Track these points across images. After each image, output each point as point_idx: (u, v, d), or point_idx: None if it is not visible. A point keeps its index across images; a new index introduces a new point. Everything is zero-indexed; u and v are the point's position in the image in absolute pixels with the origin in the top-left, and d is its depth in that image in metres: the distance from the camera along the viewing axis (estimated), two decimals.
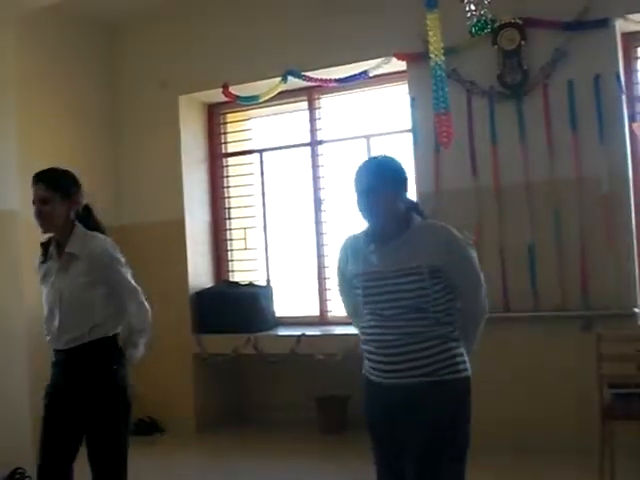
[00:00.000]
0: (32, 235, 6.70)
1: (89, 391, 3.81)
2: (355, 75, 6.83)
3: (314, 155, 7.46)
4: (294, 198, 7.68)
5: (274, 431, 7.17)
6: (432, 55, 5.60)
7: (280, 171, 7.80)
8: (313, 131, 7.50)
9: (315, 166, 7.45)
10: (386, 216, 3.27)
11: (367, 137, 7.22)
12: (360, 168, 3.34)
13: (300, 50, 6.98)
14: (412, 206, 3.37)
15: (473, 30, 5.94)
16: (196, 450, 7.16)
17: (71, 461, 3.91)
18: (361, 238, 3.39)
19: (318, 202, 7.41)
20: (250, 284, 7.54)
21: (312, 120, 7.51)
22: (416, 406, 3.14)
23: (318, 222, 7.41)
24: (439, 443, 3.12)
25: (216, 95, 7.59)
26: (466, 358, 3.26)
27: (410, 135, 6.65)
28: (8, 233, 6.11)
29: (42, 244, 4.05)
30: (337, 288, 3.65)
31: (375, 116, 7.24)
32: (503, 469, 5.67)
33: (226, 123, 8.08)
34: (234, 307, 7.25)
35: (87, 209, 4.08)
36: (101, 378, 3.86)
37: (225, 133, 8.06)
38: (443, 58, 5.63)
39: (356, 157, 7.16)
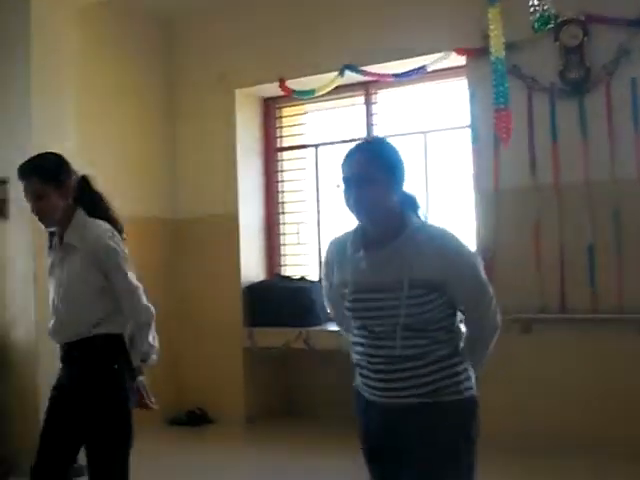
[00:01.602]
0: None
1: (86, 391, 3.58)
2: (413, 70, 6.75)
3: None
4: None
5: (323, 425, 7.14)
6: (493, 50, 5.54)
7: (335, 166, 7.74)
8: (369, 126, 7.44)
9: None
10: (379, 213, 2.78)
11: (424, 133, 7.15)
12: (351, 151, 2.84)
13: (358, 44, 6.93)
14: (408, 201, 2.90)
15: (536, 25, 5.86)
16: (245, 442, 7.17)
17: (68, 464, 3.69)
18: (348, 241, 2.90)
19: None
20: (302, 279, 7.52)
21: (368, 115, 7.45)
22: (412, 430, 2.75)
23: None
24: (439, 474, 2.76)
25: (272, 89, 7.58)
26: (471, 375, 2.87)
27: (468, 131, 6.58)
28: None
29: (50, 233, 3.81)
30: (323, 296, 3.18)
31: (432, 111, 7.16)
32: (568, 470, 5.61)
33: (282, 117, 8.07)
34: (286, 301, 7.24)
35: (84, 181, 3.84)
36: (98, 377, 3.59)
37: (280, 127, 8.05)
38: (504, 53, 5.57)
39: (413, 153, 7.11)
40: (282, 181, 7.98)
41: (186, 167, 7.96)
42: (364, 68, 6.93)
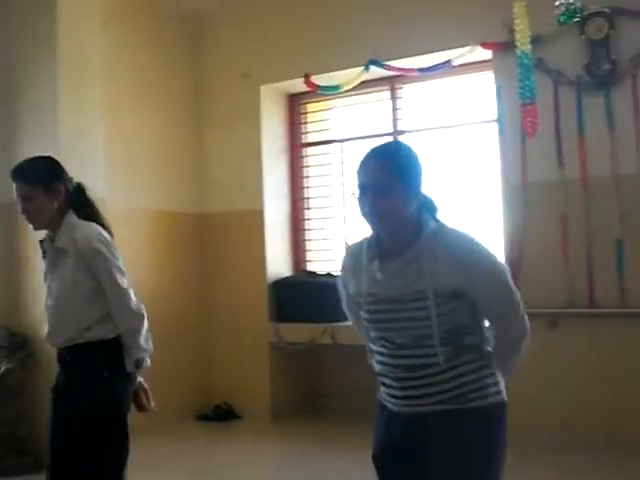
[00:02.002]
0: (118, 223, 6.84)
1: (74, 400, 3.54)
2: (438, 64, 6.74)
3: None
4: None
5: (349, 421, 7.14)
6: (518, 44, 5.53)
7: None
8: (395, 121, 7.43)
9: None
10: (395, 222, 2.66)
11: (450, 127, 7.14)
12: (367, 157, 2.71)
13: (383, 39, 6.93)
14: (426, 205, 2.76)
15: (561, 19, 5.87)
16: (271, 437, 7.18)
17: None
18: (363, 249, 2.80)
19: None
20: (328, 274, 7.53)
21: (394, 110, 7.44)
22: (438, 437, 2.66)
23: None
24: None
25: (297, 85, 7.59)
26: (499, 380, 2.75)
27: (495, 125, 6.55)
28: None
29: (40, 242, 3.76)
30: (342, 304, 3.05)
31: (458, 105, 7.14)
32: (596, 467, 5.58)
33: (307, 113, 8.07)
34: (312, 297, 7.24)
35: (79, 189, 3.76)
36: (86, 388, 3.53)
37: (305, 123, 8.05)
38: (530, 47, 5.55)
39: (439, 148, 7.10)
40: (307, 177, 7.98)
41: (212, 163, 7.98)
42: (389, 63, 6.93)
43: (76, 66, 6.17)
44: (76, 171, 6.11)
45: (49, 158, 3.80)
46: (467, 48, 6.56)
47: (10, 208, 6.17)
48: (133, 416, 6.70)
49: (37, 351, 5.94)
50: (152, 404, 3.90)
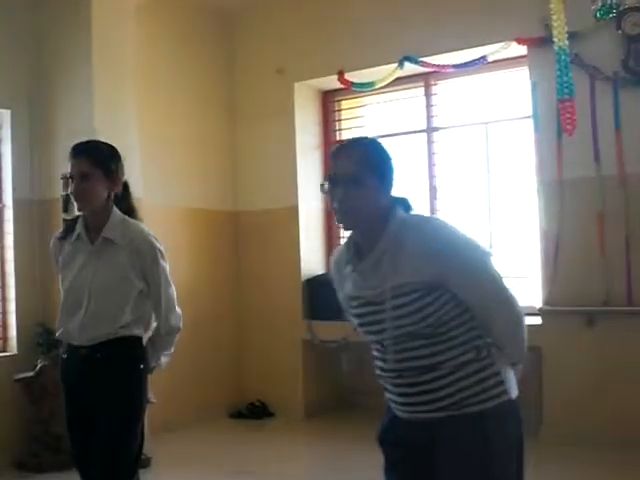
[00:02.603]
0: (153, 221, 6.86)
1: (113, 390, 3.45)
2: (473, 61, 6.69)
3: (429, 142, 7.36)
4: (408, 186, 7.59)
5: (382, 418, 7.13)
6: (556, 40, 5.47)
7: (394, 158, 7.70)
8: (429, 118, 7.39)
9: (430, 153, 7.35)
10: (367, 217, 2.51)
11: (485, 124, 7.08)
12: (339, 148, 2.63)
13: (417, 35, 6.89)
14: (399, 204, 2.58)
15: (598, 14, 5.79)
16: (304, 435, 7.19)
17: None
18: (344, 252, 2.67)
19: (433, 190, 7.31)
20: None
21: (428, 106, 7.40)
22: (440, 446, 2.50)
23: (432, 210, 7.31)
24: None
25: (331, 82, 7.58)
26: (504, 377, 2.53)
27: (530, 122, 6.50)
28: None
29: (67, 221, 3.65)
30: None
31: (493, 102, 7.09)
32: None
33: (340, 110, 8.05)
34: None
35: (125, 188, 3.67)
36: (128, 378, 3.51)
37: (339, 120, 8.04)
38: (567, 43, 5.49)
39: (474, 144, 7.06)
40: None
41: (246, 160, 7.99)
42: (423, 59, 6.89)
43: (110, 63, 6.20)
44: None
45: (113, 146, 3.69)
46: (502, 44, 6.51)
47: (45, 206, 6.27)
48: (168, 413, 6.76)
49: None
50: (153, 396, 3.84)
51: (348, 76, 7.31)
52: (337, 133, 8.02)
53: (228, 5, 7.83)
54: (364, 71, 7.22)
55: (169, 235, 7.14)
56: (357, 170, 2.48)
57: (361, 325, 2.62)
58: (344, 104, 8.04)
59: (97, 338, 3.46)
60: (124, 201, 3.62)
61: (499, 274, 2.52)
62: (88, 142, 3.67)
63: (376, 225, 2.51)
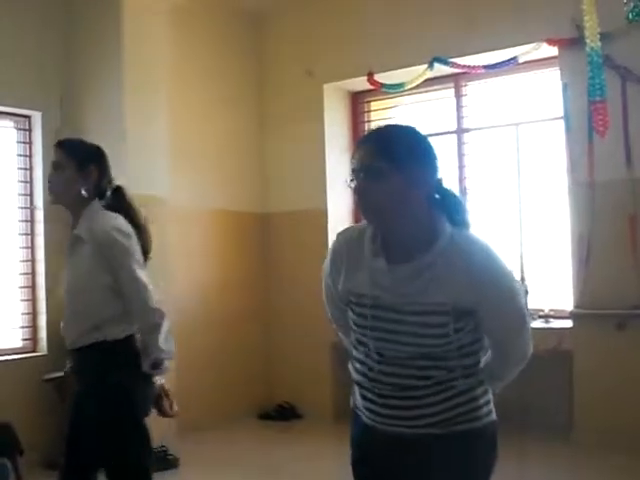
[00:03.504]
0: (183, 223, 6.91)
1: (90, 403, 3.36)
2: (504, 61, 6.64)
3: (460, 143, 7.33)
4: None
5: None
6: (588, 40, 5.41)
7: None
8: (459, 119, 7.36)
9: (460, 155, 7.31)
10: (396, 216, 2.26)
11: (516, 125, 7.03)
12: (361, 139, 2.36)
13: (447, 36, 6.86)
14: (446, 203, 2.35)
15: (630, 16, 5.73)
16: (332, 438, 7.15)
17: (92, 471, 3.47)
18: (365, 240, 2.37)
19: (463, 192, 7.26)
20: None
21: (458, 108, 7.37)
22: (420, 464, 2.35)
23: None
24: None
25: (361, 83, 7.57)
26: (490, 398, 2.43)
27: (561, 123, 6.44)
28: (157, 219, 6.19)
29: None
30: (324, 296, 2.68)
31: (524, 103, 7.04)
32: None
33: (370, 111, 8.04)
34: None
35: (117, 192, 3.58)
36: (101, 389, 3.33)
37: (369, 121, 8.02)
38: (599, 44, 5.43)
39: (504, 146, 7.01)
40: None
41: (275, 161, 8.00)
42: (454, 60, 6.85)
43: (141, 65, 6.22)
44: (141, 171, 6.25)
45: (99, 147, 3.64)
46: (533, 45, 6.46)
47: None
48: (196, 413, 6.78)
49: None
50: (175, 408, 3.63)
51: (378, 77, 7.30)
52: None
53: (258, 7, 7.84)
54: (394, 72, 7.19)
55: (198, 237, 7.20)
56: (376, 160, 2.23)
57: (366, 327, 2.37)
58: (373, 105, 8.03)
59: (76, 342, 3.39)
60: (116, 205, 3.52)
61: (529, 315, 2.44)
62: (72, 138, 3.71)
63: (418, 231, 2.29)
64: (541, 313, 6.55)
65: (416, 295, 2.26)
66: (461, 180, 7.29)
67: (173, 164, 6.58)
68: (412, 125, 2.41)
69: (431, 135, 7.33)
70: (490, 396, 2.43)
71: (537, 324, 6.37)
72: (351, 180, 2.29)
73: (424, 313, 2.26)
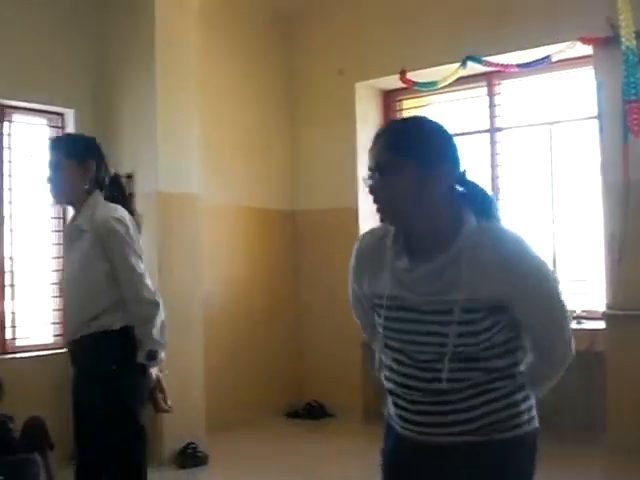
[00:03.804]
0: (213, 220, 6.93)
1: (84, 392, 3.41)
2: (537, 60, 6.57)
3: (492, 143, 7.28)
4: None
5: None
6: (623, 39, 5.36)
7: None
8: (492, 118, 7.30)
9: (493, 154, 7.26)
10: (414, 212, 2.17)
11: (549, 124, 6.97)
12: (377, 134, 2.26)
13: (480, 34, 6.79)
14: (472, 197, 2.25)
15: None
16: (362, 437, 7.14)
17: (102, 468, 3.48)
18: (386, 241, 2.29)
19: (496, 191, 7.21)
20: None
21: (491, 106, 7.31)
22: (458, 475, 2.23)
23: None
24: None
25: (392, 82, 7.53)
26: (532, 404, 2.30)
27: (595, 122, 6.37)
28: (188, 216, 6.25)
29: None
30: (350, 303, 2.58)
31: (558, 102, 6.97)
32: None
33: (402, 110, 8.00)
34: None
35: (114, 180, 3.66)
36: (95, 378, 3.37)
37: None
38: (635, 42, 5.37)
39: (537, 145, 6.96)
40: None
41: (307, 160, 8.00)
42: (487, 58, 6.79)
43: (173, 63, 6.23)
44: (174, 170, 6.28)
45: (91, 138, 3.70)
46: (567, 43, 6.39)
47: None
48: (225, 411, 6.78)
49: None
50: (169, 403, 3.61)
51: (410, 75, 7.25)
52: None
53: (289, 7, 7.84)
54: (426, 70, 7.16)
55: (229, 234, 7.22)
56: (389, 156, 2.15)
57: (391, 330, 2.27)
58: (405, 104, 7.99)
59: (76, 332, 3.42)
60: (112, 188, 3.59)
61: (567, 307, 2.29)
62: (62, 135, 3.84)
63: (442, 225, 2.19)
64: (573, 314, 6.49)
65: (440, 293, 2.16)
66: (494, 179, 7.24)
67: (204, 162, 6.59)
68: (426, 116, 2.35)
69: (463, 134, 7.32)
70: (532, 402, 2.31)
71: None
72: (368, 178, 2.21)
73: (449, 312, 2.14)
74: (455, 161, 2.23)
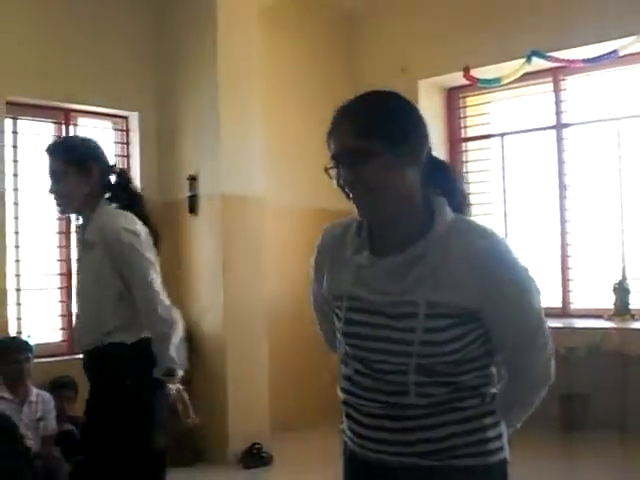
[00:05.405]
0: (277, 222, 6.93)
1: (98, 412, 3.26)
2: (604, 55, 6.44)
3: (559, 139, 7.15)
4: (536, 184, 7.39)
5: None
6: None
7: (521, 156, 7.53)
8: (558, 114, 7.17)
9: (560, 150, 7.13)
10: (389, 203, 1.90)
11: (617, 119, 6.83)
12: (337, 114, 2.03)
13: (545, 29, 6.69)
14: (433, 173, 1.99)
15: None
16: None
17: None
18: (350, 235, 2.05)
19: (562, 188, 7.09)
20: None
21: (557, 102, 7.18)
22: None
23: (562, 209, 7.08)
24: None
25: (456, 79, 7.45)
26: (503, 431, 2.01)
27: None
28: (253, 219, 6.26)
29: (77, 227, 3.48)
30: (311, 303, 2.30)
31: (626, 97, 6.83)
32: None
33: (465, 107, 7.91)
34: None
35: (121, 176, 3.48)
36: (109, 397, 3.23)
37: (465, 117, 7.90)
38: None
39: (605, 141, 6.82)
40: (467, 172, 7.82)
41: None
42: (552, 54, 6.68)
43: (235, 65, 6.26)
44: (238, 172, 6.30)
45: (89, 139, 3.53)
46: (634, 37, 6.25)
47: (172, 207, 6.38)
48: (290, 411, 6.76)
49: (200, 346, 6.07)
50: (191, 416, 3.50)
51: (474, 72, 7.16)
52: (462, 130, 7.89)
53: (351, 6, 7.80)
54: (490, 67, 7.06)
55: (291, 236, 7.21)
56: (358, 139, 1.90)
57: (350, 335, 2.00)
58: (469, 101, 7.90)
59: (86, 345, 3.31)
60: (119, 190, 3.43)
61: (546, 321, 2.00)
62: (61, 139, 3.65)
63: (411, 215, 1.93)
64: None
65: (404, 293, 1.89)
66: (560, 176, 7.12)
67: (269, 165, 6.60)
68: (385, 89, 2.08)
69: (529, 130, 7.20)
70: (503, 429, 2.02)
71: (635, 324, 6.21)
72: (330, 168, 1.99)
73: (413, 316, 1.88)
74: (426, 136, 2.00)
